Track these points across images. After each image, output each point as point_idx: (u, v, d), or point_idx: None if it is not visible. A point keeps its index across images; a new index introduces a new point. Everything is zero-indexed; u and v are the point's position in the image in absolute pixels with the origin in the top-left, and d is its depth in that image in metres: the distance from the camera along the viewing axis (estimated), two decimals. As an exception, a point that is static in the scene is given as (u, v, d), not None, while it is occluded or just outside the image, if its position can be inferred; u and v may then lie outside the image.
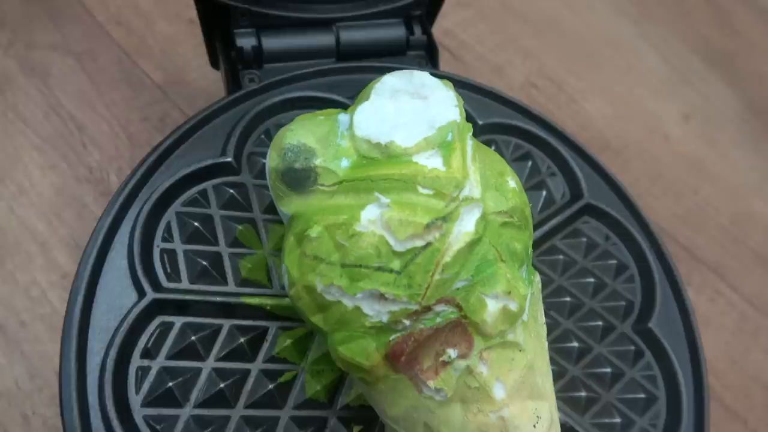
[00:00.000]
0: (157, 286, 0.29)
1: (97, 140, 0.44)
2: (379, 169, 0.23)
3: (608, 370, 0.32)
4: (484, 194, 0.23)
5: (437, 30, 0.56)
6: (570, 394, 0.31)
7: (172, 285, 0.29)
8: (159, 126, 0.45)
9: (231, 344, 0.29)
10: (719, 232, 0.52)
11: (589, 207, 0.37)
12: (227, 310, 0.29)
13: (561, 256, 0.35)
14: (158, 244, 0.31)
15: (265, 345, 0.29)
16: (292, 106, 0.36)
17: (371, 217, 0.22)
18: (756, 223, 0.53)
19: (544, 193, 0.37)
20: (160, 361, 0.28)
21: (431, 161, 0.23)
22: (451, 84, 0.26)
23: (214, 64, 0.39)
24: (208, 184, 0.33)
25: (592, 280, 0.35)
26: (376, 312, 0.22)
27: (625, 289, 0.35)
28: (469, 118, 0.38)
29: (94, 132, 0.44)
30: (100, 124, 0.45)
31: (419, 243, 0.21)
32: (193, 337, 0.28)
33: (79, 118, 0.45)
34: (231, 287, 0.30)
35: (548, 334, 0.33)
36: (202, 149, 0.33)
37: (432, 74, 0.39)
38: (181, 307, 0.29)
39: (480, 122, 0.38)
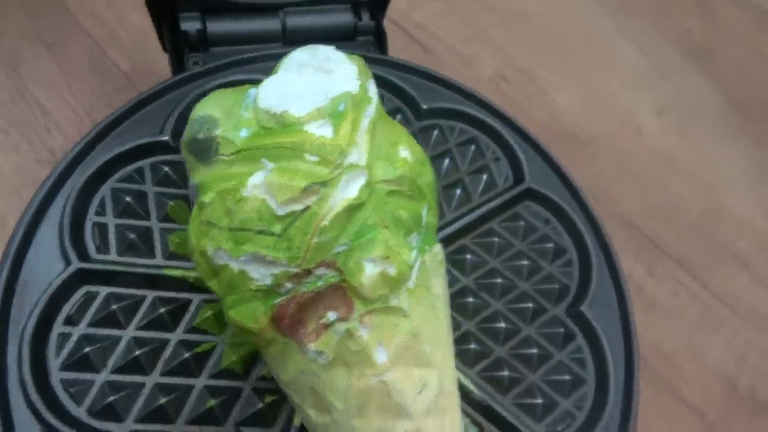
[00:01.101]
0: (84, 256, 0.30)
1: (62, 125, 0.45)
2: (273, 138, 0.23)
3: (535, 351, 0.32)
4: (374, 163, 0.23)
5: (407, 22, 0.57)
6: (493, 374, 0.31)
7: (100, 257, 0.30)
8: (123, 112, 0.46)
9: (152, 314, 0.29)
10: (688, 226, 0.51)
11: (531, 191, 0.37)
12: (151, 281, 0.30)
13: (497, 239, 0.35)
14: (91, 218, 0.32)
15: (187, 316, 0.30)
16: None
17: (256, 182, 0.22)
18: (727, 219, 0.52)
19: (485, 176, 0.37)
20: (81, 328, 0.29)
21: (321, 130, 0.23)
22: (359, 59, 0.26)
23: (165, 47, 0.40)
24: (144, 162, 0.33)
25: (527, 262, 0.35)
26: (260, 275, 0.22)
27: (561, 273, 0.35)
28: (412, 102, 0.38)
29: (59, 117, 0.46)
30: (65, 110, 0.46)
31: (298, 207, 0.21)
32: (114, 306, 0.29)
33: (46, 104, 0.46)
34: (158, 260, 0.31)
35: (477, 315, 0.33)
36: (141, 128, 0.34)
37: (384, 60, 0.40)
38: (107, 278, 0.30)
39: (424, 107, 0.38)
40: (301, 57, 0.26)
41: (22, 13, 0.50)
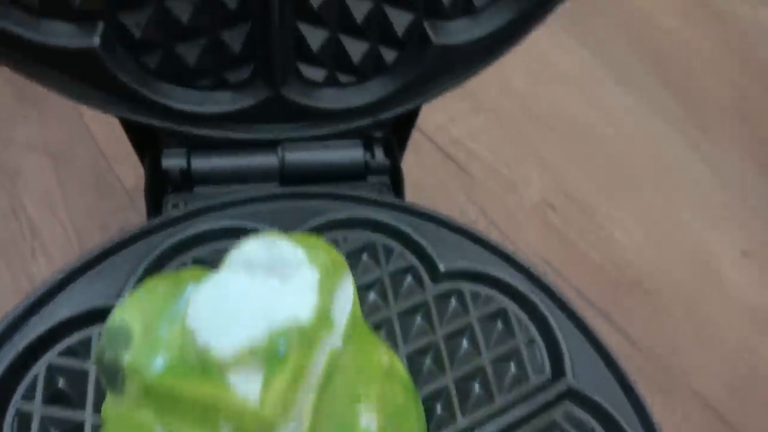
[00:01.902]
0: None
1: (48, 247, 0.42)
2: (190, 382, 0.17)
3: None
4: (320, 435, 0.16)
5: (442, 136, 0.51)
6: None
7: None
8: (116, 235, 0.42)
9: None
10: (785, 408, 0.41)
11: (573, 392, 0.28)
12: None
13: (524, 461, 0.27)
14: (16, 403, 0.26)
15: None
16: (215, 238, 0.31)
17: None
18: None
19: (513, 366, 0.29)
20: None
21: (248, 384, 0.16)
22: (330, 256, 0.20)
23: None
24: (93, 331, 0.28)
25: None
26: None
27: None
28: (428, 260, 0.31)
29: (47, 237, 0.42)
30: (55, 230, 0.42)
31: None
32: None
33: (37, 223, 0.43)
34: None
35: None
36: (98, 287, 0.29)
37: (396, 205, 0.33)
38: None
39: (442, 268, 0.31)
40: (253, 252, 0.20)
41: (34, 120, 0.47)
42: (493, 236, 0.45)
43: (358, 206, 0.33)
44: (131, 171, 0.46)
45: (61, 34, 0.26)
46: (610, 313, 0.44)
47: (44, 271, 0.40)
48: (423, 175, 0.48)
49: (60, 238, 0.42)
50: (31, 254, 0.41)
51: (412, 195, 0.35)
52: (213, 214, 0.32)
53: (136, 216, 0.44)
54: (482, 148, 0.51)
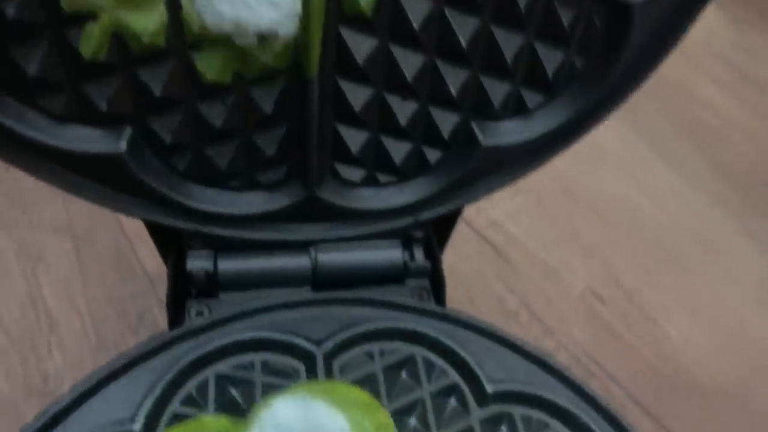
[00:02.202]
0: None
1: (65, 341, 0.39)
2: None
3: None
4: None
5: (480, 219, 0.48)
6: None
7: None
8: (135, 325, 0.40)
9: None
10: None
11: None
12: None
13: None
14: None
15: None
16: (241, 350, 0.28)
17: None
18: None
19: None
20: None
21: None
22: (376, 425, 0.17)
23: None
24: (102, 462, 0.25)
25: None
26: None
27: None
28: (473, 379, 0.28)
29: (65, 330, 0.40)
30: (73, 321, 0.40)
31: None
32: None
33: (55, 313, 0.41)
34: None
35: None
36: (110, 407, 0.26)
37: (438, 313, 0.30)
38: None
39: (490, 389, 0.28)
40: (286, 416, 0.17)
41: (61, 201, 0.46)
42: (535, 329, 0.42)
43: (396, 314, 0.30)
44: (154, 254, 0.44)
45: (84, 140, 0.25)
46: (660, 416, 0.40)
47: (59, 369, 0.38)
48: (458, 259, 0.46)
49: (77, 332, 0.40)
50: (47, 349, 0.39)
51: (446, 282, 0.32)
52: (239, 323, 0.29)
53: (157, 303, 0.41)
54: (522, 231, 0.48)
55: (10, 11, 0.20)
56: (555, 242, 0.47)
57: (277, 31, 0.21)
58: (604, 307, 0.44)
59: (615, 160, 0.53)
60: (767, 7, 0.73)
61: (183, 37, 0.22)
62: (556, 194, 0.50)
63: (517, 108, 0.27)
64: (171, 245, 0.31)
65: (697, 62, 0.63)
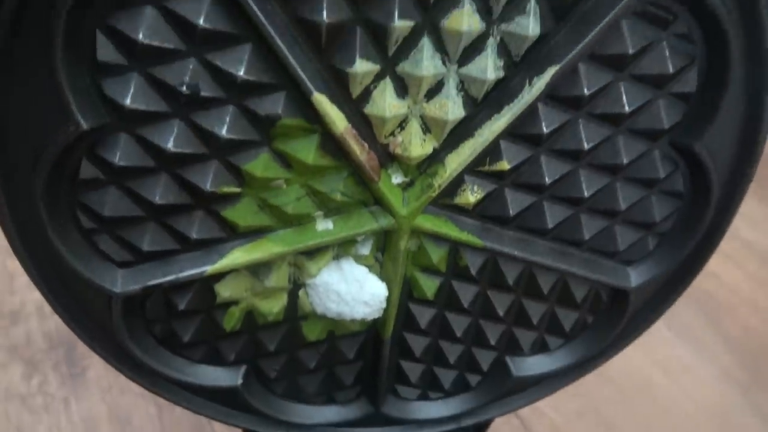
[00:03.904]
0: None
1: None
2: None
3: None
4: None
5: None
6: None
7: None
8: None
9: None
10: None
11: None
12: None
13: None
14: None
15: None
16: None
17: None
18: None
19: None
20: None
21: None
22: None
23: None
24: None
25: None
26: None
27: None
28: None
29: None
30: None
31: None
32: None
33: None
34: None
35: None
36: None
37: None
38: None
39: None
40: None
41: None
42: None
43: None
44: (227, 427, 0.50)
45: (212, 377, 0.33)
46: None
47: None
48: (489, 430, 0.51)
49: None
50: None
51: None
52: None
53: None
54: (544, 402, 0.54)
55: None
56: (577, 415, 0.53)
57: (366, 319, 0.29)
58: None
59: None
60: (766, 176, 0.81)
61: (296, 314, 0.31)
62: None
63: (541, 347, 0.35)
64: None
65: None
